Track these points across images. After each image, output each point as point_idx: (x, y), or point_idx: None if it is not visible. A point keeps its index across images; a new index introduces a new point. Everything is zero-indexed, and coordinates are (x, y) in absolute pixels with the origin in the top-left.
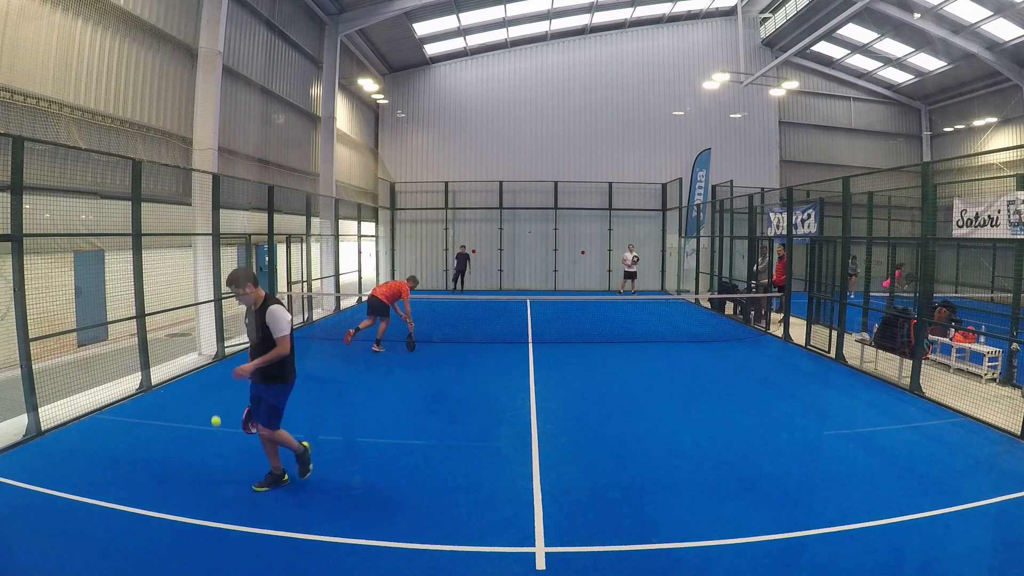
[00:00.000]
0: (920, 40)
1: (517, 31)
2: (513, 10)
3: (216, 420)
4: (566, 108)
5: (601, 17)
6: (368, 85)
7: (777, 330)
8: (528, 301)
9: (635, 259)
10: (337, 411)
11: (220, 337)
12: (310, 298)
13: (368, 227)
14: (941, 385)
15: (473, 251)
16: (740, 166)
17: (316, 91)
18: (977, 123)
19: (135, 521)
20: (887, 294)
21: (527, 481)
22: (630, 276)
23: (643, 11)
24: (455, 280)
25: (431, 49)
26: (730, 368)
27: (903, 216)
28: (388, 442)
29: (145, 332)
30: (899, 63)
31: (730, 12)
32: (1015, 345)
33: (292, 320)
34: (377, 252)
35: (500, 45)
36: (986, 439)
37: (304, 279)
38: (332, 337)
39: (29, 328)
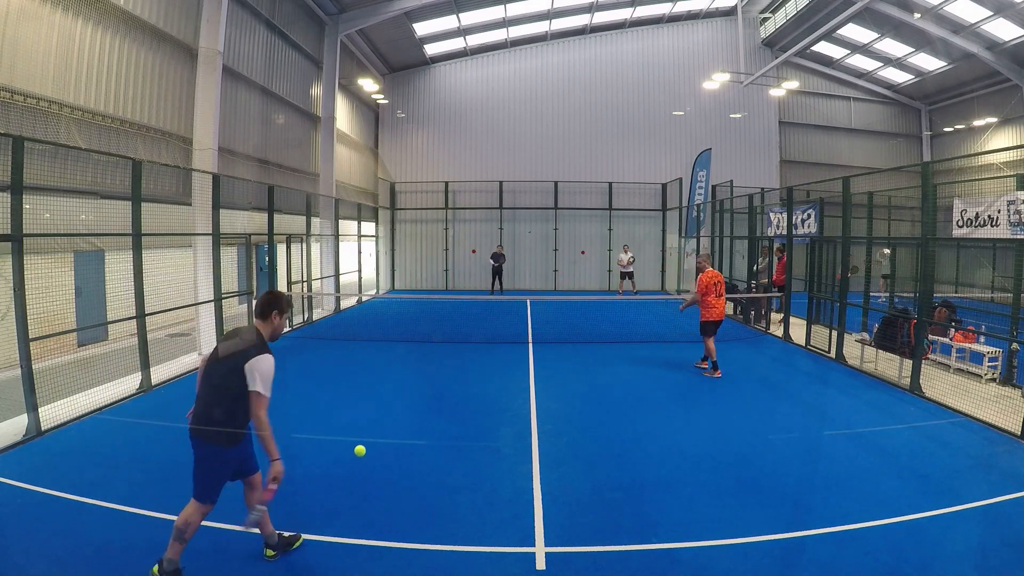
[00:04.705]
0: (920, 40)
1: (517, 31)
2: (513, 10)
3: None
4: (566, 108)
5: (601, 17)
6: (368, 85)
7: (777, 330)
8: (528, 301)
9: (631, 260)
10: (337, 411)
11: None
12: (310, 298)
13: (368, 227)
14: (941, 385)
15: (473, 251)
16: (740, 166)
17: (316, 91)
18: (977, 123)
19: (135, 521)
20: (887, 293)
21: (527, 481)
22: (627, 275)
23: (643, 11)
24: (493, 282)
25: (431, 49)
26: (730, 368)
27: (903, 216)
28: (388, 442)
29: (145, 332)
30: (899, 63)
31: (730, 12)
32: (1015, 345)
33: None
34: (377, 252)
35: (500, 45)
36: (986, 439)
37: (304, 279)
38: (331, 337)
39: (29, 328)
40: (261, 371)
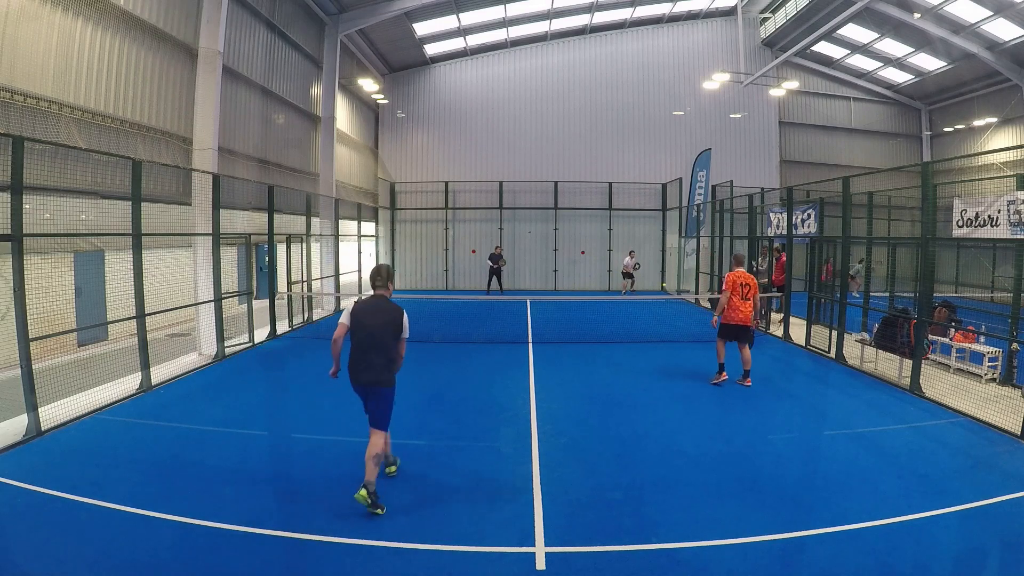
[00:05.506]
0: (920, 40)
1: (517, 31)
2: (513, 10)
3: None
4: (566, 108)
5: (601, 17)
6: (368, 85)
7: (777, 330)
8: (528, 301)
9: (636, 265)
10: (337, 411)
11: (220, 337)
12: (310, 298)
13: (368, 227)
14: (941, 385)
15: (473, 251)
16: (740, 166)
17: (316, 91)
18: (977, 123)
19: (135, 521)
20: (887, 293)
21: (527, 481)
22: (628, 276)
23: (643, 11)
24: (490, 281)
25: (431, 49)
26: (730, 368)
27: (903, 216)
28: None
29: (145, 332)
30: (899, 63)
31: (730, 12)
32: (1015, 345)
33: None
34: (377, 252)
35: (500, 45)
36: (986, 439)
37: (304, 279)
38: (331, 337)
39: (29, 328)
40: (406, 322)
